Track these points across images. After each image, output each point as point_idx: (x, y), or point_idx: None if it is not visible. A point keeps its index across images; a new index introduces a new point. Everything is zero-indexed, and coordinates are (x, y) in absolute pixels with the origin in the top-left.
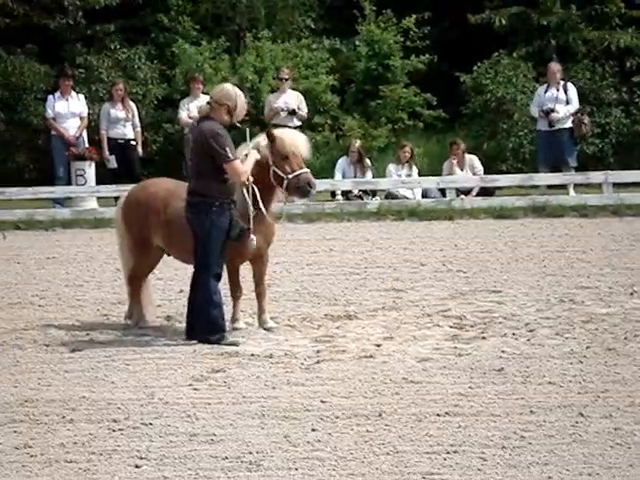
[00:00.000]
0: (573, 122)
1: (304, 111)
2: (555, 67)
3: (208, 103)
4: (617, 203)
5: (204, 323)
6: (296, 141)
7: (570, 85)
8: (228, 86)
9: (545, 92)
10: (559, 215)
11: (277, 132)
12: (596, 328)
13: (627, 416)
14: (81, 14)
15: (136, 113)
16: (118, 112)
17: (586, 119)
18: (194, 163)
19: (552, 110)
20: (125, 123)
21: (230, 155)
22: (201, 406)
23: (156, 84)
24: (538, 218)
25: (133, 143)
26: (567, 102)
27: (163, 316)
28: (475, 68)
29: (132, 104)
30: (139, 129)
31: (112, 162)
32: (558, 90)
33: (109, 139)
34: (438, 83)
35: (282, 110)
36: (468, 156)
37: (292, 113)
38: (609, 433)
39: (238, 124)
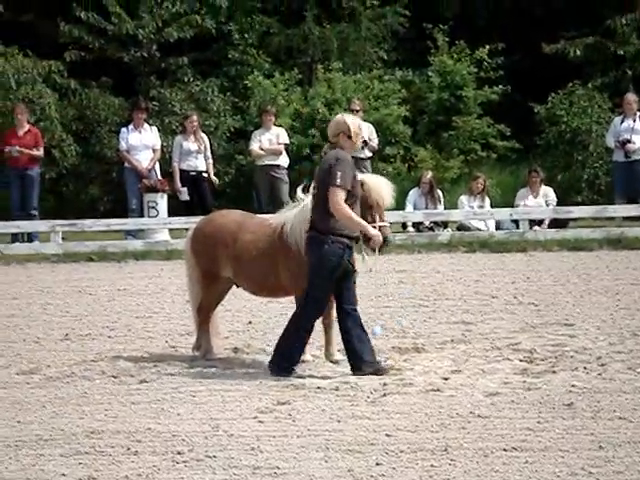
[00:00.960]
0: None
1: (375, 142)
2: (631, 97)
3: (330, 143)
4: None
5: (282, 350)
6: (382, 191)
7: None
8: (336, 117)
9: (621, 123)
10: (635, 247)
11: (365, 180)
12: None
13: None
14: (155, 47)
15: (208, 145)
16: (190, 144)
17: None
18: (315, 194)
19: (628, 141)
20: (197, 155)
21: (338, 180)
22: (265, 439)
23: (228, 116)
24: (613, 250)
25: (205, 175)
26: None
27: (230, 348)
28: (550, 99)
29: (204, 136)
30: (211, 161)
31: (184, 194)
32: (635, 121)
33: (181, 171)
34: (512, 114)
35: None
36: (544, 187)
37: (363, 144)
38: None
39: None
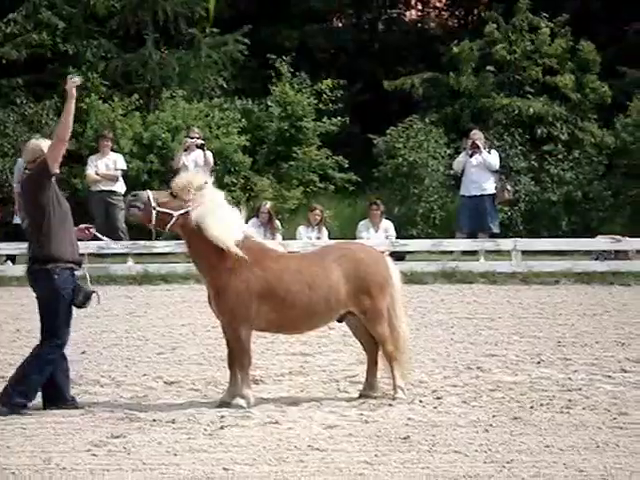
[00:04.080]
0: (496, 188)
1: (210, 165)
2: (478, 134)
3: (27, 169)
4: (525, 271)
5: (16, 384)
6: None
7: (494, 151)
8: (32, 141)
9: (470, 156)
10: (468, 281)
11: None
12: (503, 397)
13: None
14: None
15: None
16: None
17: (509, 186)
18: (28, 226)
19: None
20: None
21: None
22: (99, 473)
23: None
24: (448, 284)
25: None
26: (490, 167)
27: None
28: (389, 131)
29: None
30: None
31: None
32: (481, 154)
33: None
34: (350, 146)
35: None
36: (384, 221)
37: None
38: None
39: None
